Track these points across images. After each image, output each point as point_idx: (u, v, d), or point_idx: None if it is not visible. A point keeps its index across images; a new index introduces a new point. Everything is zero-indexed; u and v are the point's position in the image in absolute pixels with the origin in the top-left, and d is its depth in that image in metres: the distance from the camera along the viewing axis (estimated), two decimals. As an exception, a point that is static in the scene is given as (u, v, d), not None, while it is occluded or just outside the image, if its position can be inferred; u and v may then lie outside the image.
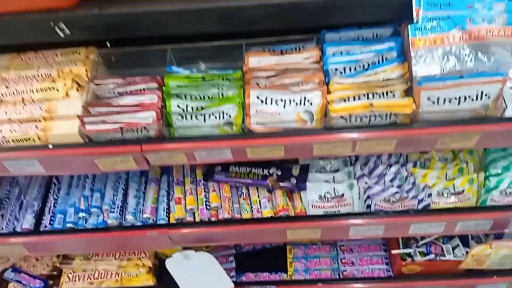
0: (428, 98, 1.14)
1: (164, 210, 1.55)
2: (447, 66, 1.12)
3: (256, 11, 1.15)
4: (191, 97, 1.27)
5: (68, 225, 1.54)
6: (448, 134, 1.19)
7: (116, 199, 1.58)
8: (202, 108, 1.25)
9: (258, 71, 1.29)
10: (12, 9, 1.14)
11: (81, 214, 1.55)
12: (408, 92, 1.19)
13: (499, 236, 1.67)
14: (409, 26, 1.13)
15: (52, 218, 1.58)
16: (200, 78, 1.29)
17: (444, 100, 1.14)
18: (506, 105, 1.18)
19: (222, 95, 1.27)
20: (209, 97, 1.27)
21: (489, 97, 1.13)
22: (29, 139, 1.24)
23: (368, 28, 1.30)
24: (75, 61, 1.33)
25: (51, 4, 1.14)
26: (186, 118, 1.25)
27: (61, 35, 1.18)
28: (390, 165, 1.54)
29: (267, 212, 1.54)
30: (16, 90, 1.28)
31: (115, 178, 1.65)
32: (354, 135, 1.22)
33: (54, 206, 1.62)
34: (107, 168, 1.30)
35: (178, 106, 1.25)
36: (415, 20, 1.12)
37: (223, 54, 1.40)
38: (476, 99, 1.13)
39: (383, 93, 1.20)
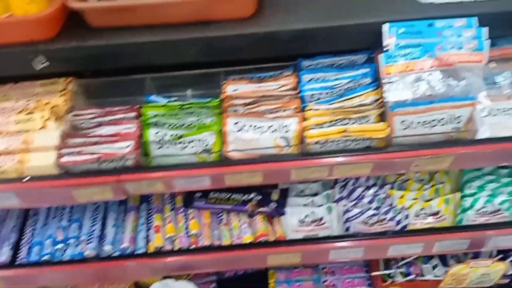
0: (401, 123, 1.17)
1: (143, 239, 1.53)
2: (418, 91, 1.15)
3: (233, 41, 1.17)
4: (169, 126, 1.27)
5: (45, 257, 1.50)
6: (421, 157, 1.22)
7: (94, 229, 1.55)
8: (180, 137, 1.25)
9: (235, 98, 1.30)
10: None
11: (58, 246, 1.52)
12: (382, 117, 1.23)
13: (477, 255, 1.69)
14: (381, 54, 1.16)
15: (29, 250, 1.55)
16: (178, 107, 1.30)
17: (417, 124, 1.17)
18: (477, 127, 1.21)
19: (200, 123, 1.28)
20: (187, 126, 1.28)
21: (460, 121, 1.17)
22: (5, 172, 1.22)
23: (343, 55, 1.34)
24: (54, 92, 1.33)
25: (30, 37, 1.14)
26: (164, 147, 1.26)
27: (40, 67, 1.18)
28: (368, 187, 1.56)
29: (247, 238, 1.53)
30: (-7, 122, 1.27)
31: (94, 207, 1.62)
32: (330, 160, 1.24)
33: (31, 237, 1.59)
34: (85, 199, 1.28)
35: (156, 135, 1.25)
36: (387, 48, 1.16)
37: (202, 81, 1.42)
38: (448, 122, 1.17)
39: (358, 118, 1.22)
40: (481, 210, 1.46)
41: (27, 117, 1.27)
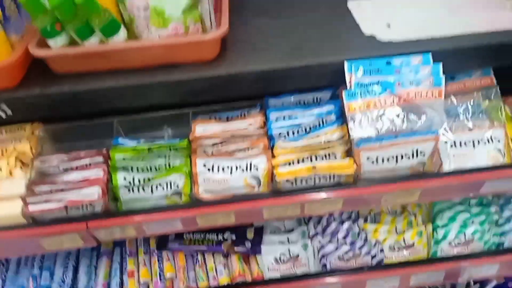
0: (368, 158, 1.19)
1: (116, 285, 1.50)
2: (382, 127, 1.17)
3: (198, 84, 1.18)
4: (137, 169, 1.27)
5: (16, 307, 1.47)
6: (389, 192, 1.23)
7: (66, 276, 1.52)
8: (149, 180, 1.25)
9: (204, 139, 1.31)
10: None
11: (29, 296, 1.48)
12: (349, 153, 1.24)
13: (454, 286, 1.69)
14: (343, 91, 1.19)
15: (-1, 301, 1.51)
16: (146, 149, 1.30)
17: (383, 159, 1.18)
18: (442, 160, 1.24)
19: (169, 165, 1.28)
20: (156, 168, 1.27)
21: (424, 154, 1.19)
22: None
23: (308, 93, 1.37)
24: (20, 138, 1.32)
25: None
26: (133, 190, 1.25)
27: (3, 116, 1.18)
28: (342, 222, 1.55)
29: (224, 279, 1.51)
30: (-44, 172, 1.25)
31: (65, 254, 1.59)
32: (300, 197, 1.24)
33: (3, 286, 1.55)
34: (54, 247, 1.26)
35: (125, 179, 1.25)
36: (348, 86, 1.18)
37: (170, 122, 1.42)
38: (413, 156, 1.19)
39: (325, 155, 1.23)
40: (454, 241, 1.47)
41: (-7, 165, 1.26)
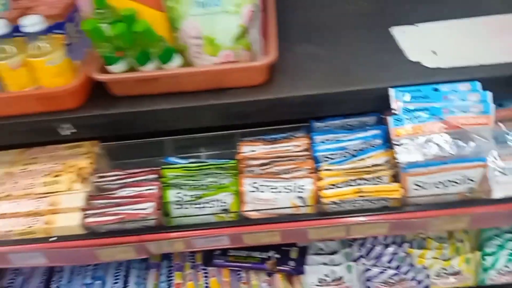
0: (415, 183, 1.19)
1: (164, 298, 1.56)
2: (429, 152, 1.17)
3: (247, 107, 1.22)
4: (188, 187, 1.32)
5: (70, 314, 1.55)
6: (437, 217, 1.22)
7: (117, 287, 1.59)
8: (199, 197, 1.30)
9: (251, 159, 1.35)
10: (19, 112, 1.23)
11: (82, 303, 1.56)
12: (395, 177, 1.24)
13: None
14: (390, 116, 1.20)
15: (54, 307, 1.59)
16: (196, 168, 1.35)
17: (430, 184, 1.18)
18: (491, 187, 1.22)
19: (218, 184, 1.33)
20: (205, 186, 1.33)
21: (472, 181, 1.18)
22: (33, 232, 1.28)
23: (353, 117, 1.38)
24: (79, 155, 1.41)
25: (57, 107, 1.22)
26: (183, 207, 1.30)
27: (68, 133, 1.26)
28: (387, 246, 1.55)
29: (267, 297, 1.54)
30: (22, 184, 1.34)
31: (117, 264, 1.67)
32: (346, 220, 1.25)
33: (57, 294, 1.64)
34: (108, 258, 1.32)
35: (176, 196, 1.31)
36: (394, 112, 1.19)
37: (218, 142, 1.48)
38: (461, 183, 1.18)
39: (371, 179, 1.24)
40: (503, 269, 1.43)
41: (54, 179, 1.35)
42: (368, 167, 1.26)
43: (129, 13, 1.09)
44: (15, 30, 1.15)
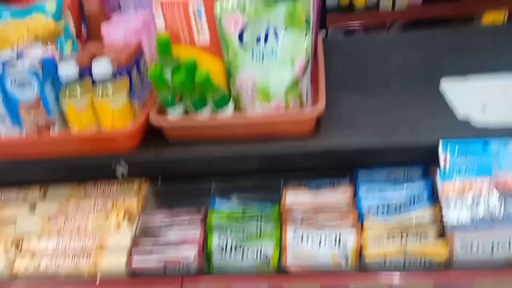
0: (462, 243, 1.16)
1: None
2: (477, 212, 1.15)
3: (293, 156, 1.26)
4: (231, 232, 1.34)
5: None
6: (484, 281, 1.18)
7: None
8: (241, 243, 1.31)
9: (294, 207, 1.36)
10: (78, 151, 1.30)
11: None
12: (441, 233, 1.22)
13: None
14: (437, 171, 1.19)
15: None
16: (240, 214, 1.37)
17: (478, 245, 1.16)
18: (543, 252, 1.18)
19: (261, 231, 1.34)
20: (248, 233, 1.34)
21: (524, 244, 1.14)
22: (79, 270, 1.31)
23: (398, 167, 1.38)
24: (129, 193, 1.46)
25: (115, 148, 1.28)
26: (225, 253, 1.31)
27: (124, 172, 1.31)
28: (429, 305, 1.50)
29: None
30: (73, 220, 1.39)
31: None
32: (388, 278, 1.23)
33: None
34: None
35: (219, 241, 1.32)
36: (442, 166, 1.18)
37: (262, 185, 1.49)
38: (510, 246, 1.15)
39: (416, 234, 1.23)
40: None
41: (103, 216, 1.39)
42: (414, 223, 1.25)
43: (191, 62, 1.16)
44: (83, 72, 1.21)
